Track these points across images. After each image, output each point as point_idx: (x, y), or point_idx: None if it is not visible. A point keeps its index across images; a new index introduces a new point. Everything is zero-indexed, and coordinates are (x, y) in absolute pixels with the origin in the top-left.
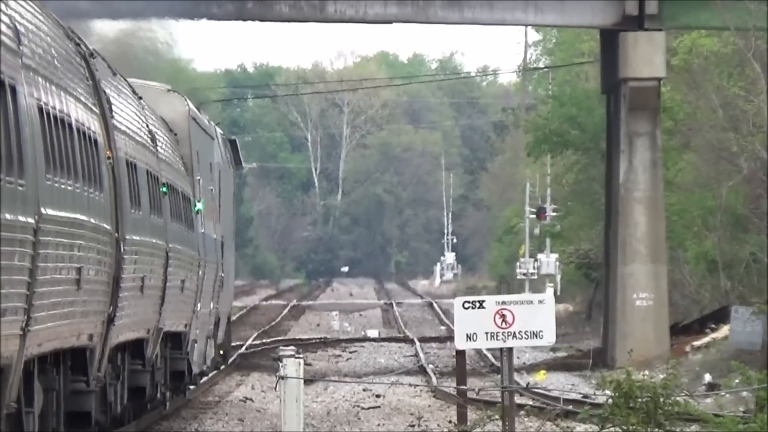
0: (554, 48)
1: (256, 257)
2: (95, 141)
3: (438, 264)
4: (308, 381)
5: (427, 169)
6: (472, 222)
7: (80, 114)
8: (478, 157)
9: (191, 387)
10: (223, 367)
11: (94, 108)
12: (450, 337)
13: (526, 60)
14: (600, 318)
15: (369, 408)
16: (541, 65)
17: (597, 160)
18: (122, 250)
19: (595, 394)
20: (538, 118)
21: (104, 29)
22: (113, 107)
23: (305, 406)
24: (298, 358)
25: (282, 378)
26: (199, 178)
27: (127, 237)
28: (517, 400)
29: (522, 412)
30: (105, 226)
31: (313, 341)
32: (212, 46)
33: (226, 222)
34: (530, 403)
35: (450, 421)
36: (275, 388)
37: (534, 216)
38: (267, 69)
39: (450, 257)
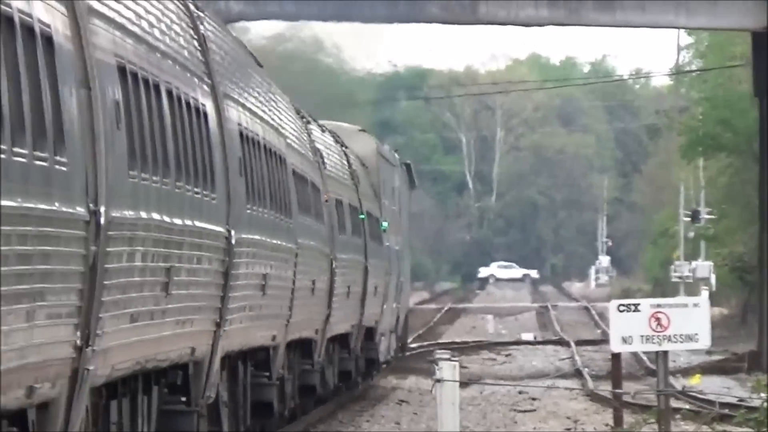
0: (706, 51)
1: (411, 260)
2: (318, 189)
3: (592, 267)
4: (464, 384)
5: (580, 172)
6: (627, 225)
7: (310, 170)
8: (631, 159)
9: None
10: (400, 355)
11: (315, 164)
12: (605, 340)
13: (678, 62)
14: (755, 321)
15: (524, 411)
16: (693, 68)
17: (751, 163)
18: (334, 266)
19: (750, 398)
20: (691, 121)
21: (258, 32)
22: (325, 160)
23: (461, 409)
24: (454, 361)
25: (438, 381)
26: (384, 201)
27: (338, 256)
28: (673, 403)
29: (677, 416)
30: (325, 249)
31: (469, 344)
32: (364, 48)
33: (404, 233)
34: (686, 406)
35: (606, 425)
36: (431, 391)
37: (688, 219)
38: (419, 71)
39: (605, 260)
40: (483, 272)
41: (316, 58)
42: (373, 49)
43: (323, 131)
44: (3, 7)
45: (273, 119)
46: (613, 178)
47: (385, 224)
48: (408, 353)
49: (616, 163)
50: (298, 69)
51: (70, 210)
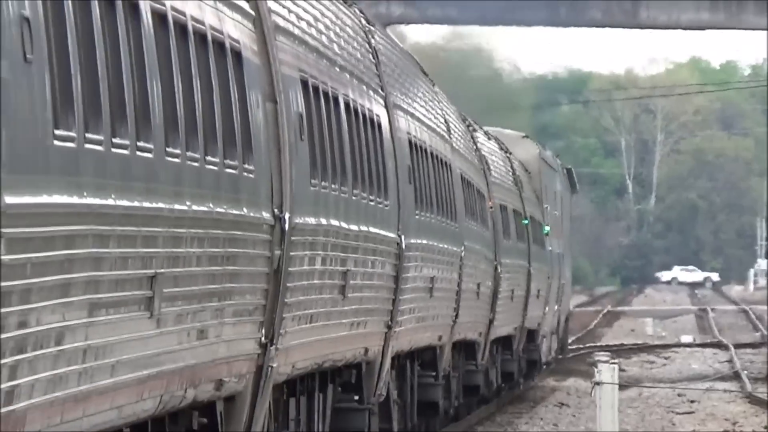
0: None
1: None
2: (483, 194)
3: (751, 270)
4: (623, 386)
5: (740, 175)
6: None
7: (475, 176)
8: None
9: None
10: (560, 356)
11: (480, 170)
12: (764, 343)
13: None
14: None
15: (683, 413)
16: None
17: None
18: (498, 270)
19: None
20: None
21: (418, 35)
22: (490, 166)
23: (620, 411)
24: (613, 363)
25: (597, 383)
26: (547, 206)
27: (502, 260)
28: None
29: None
30: (489, 254)
31: (627, 347)
32: (524, 52)
33: (565, 237)
34: None
35: (765, 427)
36: (591, 394)
37: None
38: (580, 74)
39: (764, 263)
40: (665, 276)
41: (475, 62)
42: (533, 52)
43: (488, 138)
44: (197, 24)
45: (439, 127)
46: None
47: (547, 228)
48: (568, 355)
49: None
50: (458, 74)
51: (257, 215)
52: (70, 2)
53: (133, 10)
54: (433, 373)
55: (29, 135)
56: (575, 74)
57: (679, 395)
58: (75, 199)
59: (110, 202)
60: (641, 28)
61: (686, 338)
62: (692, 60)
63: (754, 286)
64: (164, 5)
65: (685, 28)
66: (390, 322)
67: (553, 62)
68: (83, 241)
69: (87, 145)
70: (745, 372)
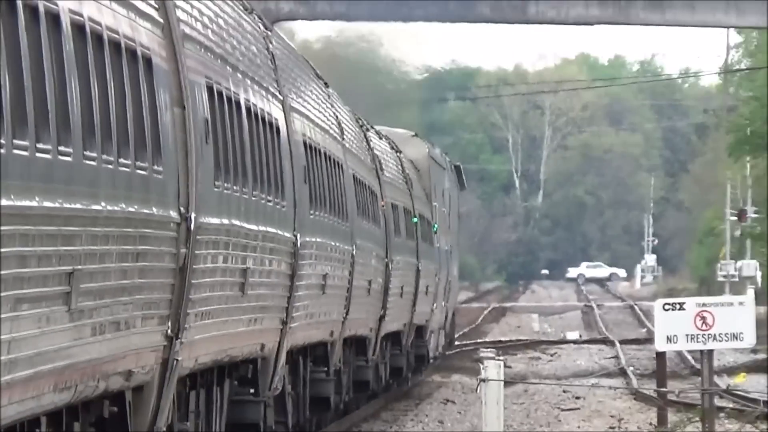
0: (756, 50)
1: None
2: (375, 194)
3: (638, 266)
4: (508, 383)
5: (627, 171)
6: (673, 224)
7: (368, 176)
8: (678, 159)
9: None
10: (448, 352)
11: (373, 171)
12: (650, 339)
13: (727, 61)
14: None
15: (569, 410)
16: (742, 67)
17: None
18: (390, 268)
19: None
20: (739, 119)
21: (308, 32)
22: (382, 166)
23: (505, 407)
24: (499, 360)
25: (483, 380)
26: (436, 204)
27: (393, 258)
28: (717, 402)
29: (722, 415)
30: (381, 252)
31: (513, 343)
32: (412, 48)
33: (453, 234)
34: (730, 405)
35: (650, 423)
36: (476, 390)
37: (735, 218)
38: (467, 70)
39: (650, 259)
40: (572, 272)
41: (364, 58)
42: (421, 48)
43: (380, 137)
44: (112, 33)
45: (332, 128)
46: (660, 177)
47: (436, 226)
48: (453, 351)
49: (663, 162)
50: (347, 70)
51: (165, 214)
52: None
53: (54, 21)
54: (325, 368)
55: None
56: (463, 70)
57: (564, 391)
58: (4, 201)
59: (34, 203)
60: (530, 23)
61: (572, 334)
62: (581, 56)
63: (641, 282)
64: (82, 16)
65: (573, 24)
66: (285, 319)
67: (441, 58)
68: (10, 240)
69: (15, 151)
70: (631, 368)
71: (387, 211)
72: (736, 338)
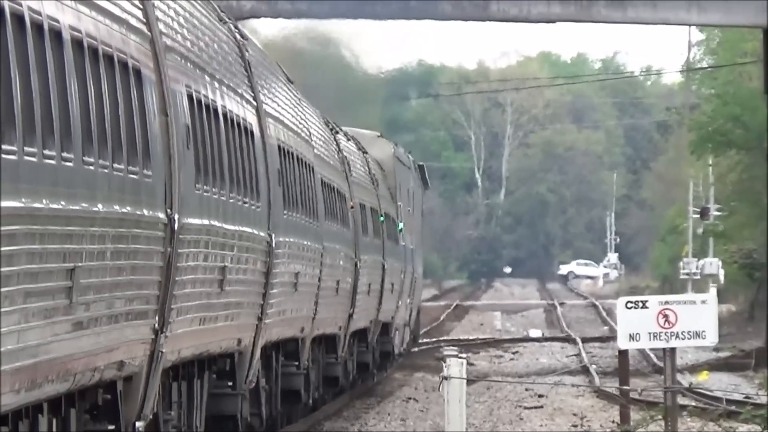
0: (717, 47)
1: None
2: (344, 195)
3: (601, 264)
4: (471, 381)
5: (590, 169)
6: (636, 221)
7: (337, 178)
8: (641, 156)
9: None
10: (413, 351)
11: (342, 173)
12: (613, 337)
13: (689, 59)
14: (763, 318)
15: (531, 408)
16: (704, 65)
17: (760, 160)
18: (358, 267)
19: (758, 395)
20: (701, 117)
21: (270, 29)
22: (351, 168)
23: (468, 406)
24: (461, 358)
25: (445, 378)
26: (401, 203)
27: (361, 257)
28: (680, 400)
29: (684, 413)
30: (350, 251)
31: (476, 341)
32: (374, 46)
33: (417, 233)
34: (693, 403)
35: (613, 421)
36: (438, 388)
37: (697, 216)
38: (429, 68)
39: (613, 257)
40: (563, 269)
41: (326, 55)
42: (383, 46)
43: (348, 139)
44: (106, 47)
45: (303, 132)
46: (622, 174)
47: (401, 225)
48: (416, 349)
49: (625, 159)
50: (308, 66)
51: (155, 215)
52: (11, 39)
53: (57, 38)
54: (296, 363)
55: None
56: (425, 68)
57: (527, 389)
58: (16, 203)
59: (42, 205)
60: (492, 21)
61: (535, 332)
62: (543, 53)
63: (603, 280)
64: (80, 32)
65: (535, 22)
66: (260, 315)
67: (404, 56)
68: (23, 238)
69: (25, 158)
70: (593, 366)
71: (355, 212)
72: (699, 336)
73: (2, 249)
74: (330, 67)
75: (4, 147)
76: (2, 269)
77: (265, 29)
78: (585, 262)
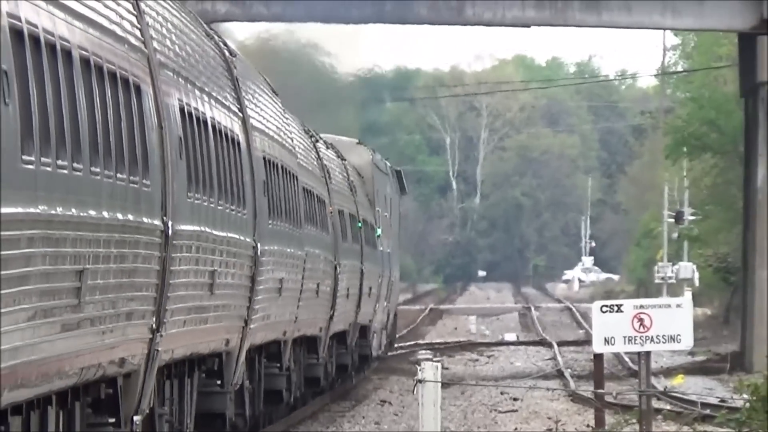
0: (692, 51)
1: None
2: (324, 202)
3: (576, 267)
4: (446, 384)
5: (565, 173)
6: (611, 225)
7: (318, 185)
8: (616, 160)
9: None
10: (390, 354)
11: (323, 180)
12: (588, 341)
13: (664, 63)
14: (738, 322)
15: (506, 411)
16: (679, 68)
17: (736, 164)
18: (338, 271)
19: (732, 398)
20: (676, 121)
21: (244, 33)
22: (331, 175)
23: (443, 409)
24: (436, 361)
25: (420, 381)
26: (378, 209)
27: (341, 262)
28: (655, 404)
29: (659, 416)
30: (330, 256)
31: (451, 345)
32: (349, 49)
33: (394, 237)
34: (668, 407)
35: (587, 425)
36: (413, 392)
37: (672, 220)
38: (404, 72)
39: (588, 261)
40: (567, 274)
41: (301, 59)
42: (358, 50)
43: (327, 147)
44: (110, 65)
45: (287, 143)
46: (597, 178)
47: (379, 230)
48: (390, 353)
49: (600, 163)
50: (283, 70)
51: (153, 222)
52: (30, 60)
53: (68, 57)
54: (278, 365)
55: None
56: (401, 71)
57: (502, 393)
58: (33, 209)
59: (56, 211)
60: (467, 25)
61: (510, 336)
62: (517, 57)
63: (578, 284)
64: (87, 50)
65: (510, 25)
66: (247, 318)
67: (379, 59)
68: (40, 242)
69: (42, 168)
70: (569, 370)
71: (335, 218)
72: (674, 340)
73: (23, 251)
74: (306, 71)
75: (24, 158)
76: (21, 270)
77: (240, 33)
78: (589, 267)
